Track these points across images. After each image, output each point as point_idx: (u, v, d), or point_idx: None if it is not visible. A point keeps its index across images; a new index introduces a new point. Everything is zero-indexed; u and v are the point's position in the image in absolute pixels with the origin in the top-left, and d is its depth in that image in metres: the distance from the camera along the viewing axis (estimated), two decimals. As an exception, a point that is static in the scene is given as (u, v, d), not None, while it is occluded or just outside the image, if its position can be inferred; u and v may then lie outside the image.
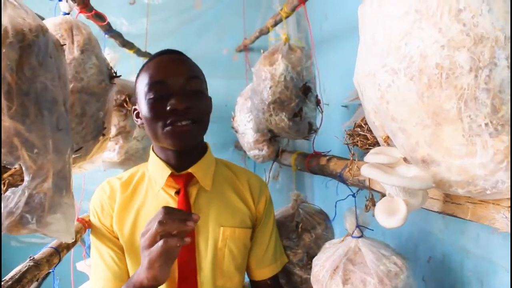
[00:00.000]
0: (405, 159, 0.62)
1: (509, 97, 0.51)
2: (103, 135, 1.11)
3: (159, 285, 0.88)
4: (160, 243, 0.81)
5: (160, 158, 1.11)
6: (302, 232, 1.44)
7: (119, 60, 1.46)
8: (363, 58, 0.63)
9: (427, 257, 1.28)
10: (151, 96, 1.02)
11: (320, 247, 1.47)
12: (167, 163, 1.10)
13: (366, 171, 0.56)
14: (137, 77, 1.10)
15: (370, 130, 0.88)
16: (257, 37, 2.03)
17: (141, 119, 1.08)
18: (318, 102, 1.49)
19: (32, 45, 0.67)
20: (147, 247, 0.84)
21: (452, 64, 0.52)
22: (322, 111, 1.43)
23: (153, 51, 2.37)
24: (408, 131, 0.59)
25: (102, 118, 1.09)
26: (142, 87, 1.05)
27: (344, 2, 1.83)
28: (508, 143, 0.52)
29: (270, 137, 1.66)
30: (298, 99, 1.41)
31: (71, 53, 1.02)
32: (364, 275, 0.99)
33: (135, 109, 1.12)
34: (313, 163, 1.29)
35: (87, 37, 1.06)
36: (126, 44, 1.88)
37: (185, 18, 2.44)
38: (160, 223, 0.82)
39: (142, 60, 2.20)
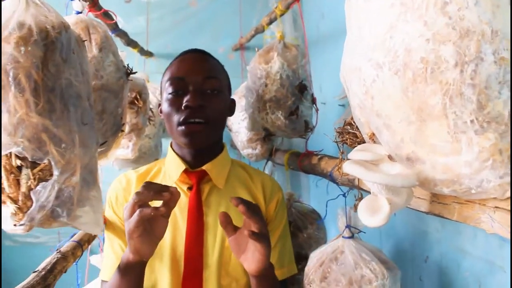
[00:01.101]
0: (390, 157, 0.60)
1: (496, 93, 0.50)
2: (122, 131, 1.14)
3: (144, 259, 0.90)
4: (136, 212, 0.82)
5: (177, 154, 1.13)
6: (294, 232, 1.43)
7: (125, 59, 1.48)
8: (349, 52, 0.61)
9: (424, 257, 1.27)
10: (170, 91, 1.07)
11: (311, 247, 1.46)
12: (183, 159, 1.12)
13: (348, 168, 0.54)
14: (164, 73, 1.15)
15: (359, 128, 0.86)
16: (252, 36, 2.02)
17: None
18: (314, 101, 1.47)
19: (56, 41, 0.69)
20: (126, 219, 0.84)
21: (437, 58, 0.50)
22: (318, 110, 1.41)
23: (151, 49, 2.38)
24: (392, 128, 0.58)
25: (120, 114, 1.12)
26: (164, 82, 1.11)
27: (341, 1, 1.81)
28: (494, 141, 0.50)
29: (264, 136, 1.64)
30: (294, 97, 1.39)
31: (90, 51, 1.03)
32: (340, 276, 1.00)
33: (159, 104, 1.16)
34: (305, 162, 1.28)
35: (104, 35, 1.08)
36: (131, 42, 1.90)
37: (181, 16, 2.44)
38: (137, 193, 0.83)
39: (145, 59, 2.20)
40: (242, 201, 0.86)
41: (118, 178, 1.18)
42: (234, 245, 0.92)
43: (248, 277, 1.12)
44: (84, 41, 0.81)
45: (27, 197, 0.67)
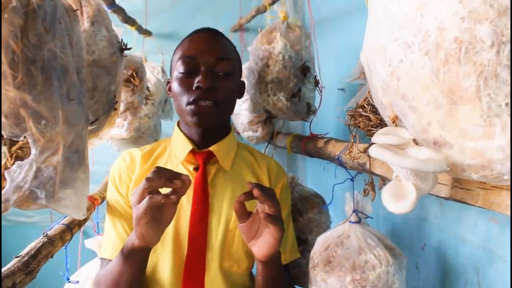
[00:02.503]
0: (414, 141, 0.58)
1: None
2: (115, 109, 1.09)
3: (149, 245, 0.89)
4: (146, 199, 0.80)
5: (184, 134, 1.12)
6: (294, 216, 1.41)
7: (121, 36, 1.42)
8: (373, 32, 0.58)
9: (421, 244, 1.27)
10: (181, 71, 1.06)
11: (312, 232, 1.45)
12: (190, 139, 1.11)
13: (376, 152, 0.52)
14: (174, 51, 1.13)
15: (373, 111, 0.84)
16: (253, 16, 1.96)
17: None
18: (316, 83, 1.44)
19: (38, 9, 0.62)
20: (135, 204, 0.83)
21: (473, 38, 0.48)
22: (321, 92, 1.39)
23: (150, 28, 2.31)
24: (419, 110, 0.55)
25: (113, 92, 1.07)
26: (175, 60, 1.10)
27: (344, -17, 1.77)
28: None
29: (265, 118, 1.61)
30: (296, 79, 1.36)
31: (81, 25, 0.98)
32: (344, 260, 0.99)
33: (168, 82, 1.15)
34: (310, 146, 1.26)
35: (96, 8, 1.03)
36: (128, 20, 1.83)
37: (179, -5, 2.37)
38: (148, 179, 0.81)
39: (143, 39, 2.13)
40: (257, 185, 0.84)
41: (122, 155, 1.16)
42: (246, 229, 0.92)
43: (249, 261, 1.13)
44: (75, 10, 0.74)
45: (3, 176, 0.62)
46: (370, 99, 0.85)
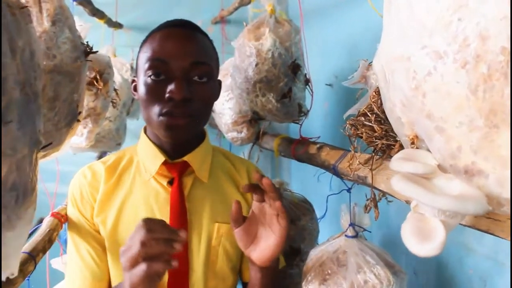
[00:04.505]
0: (439, 167, 0.49)
1: None
2: (78, 120, 0.96)
3: None
4: (143, 266, 0.70)
5: (153, 143, 0.99)
6: (285, 224, 1.33)
7: (89, 33, 1.28)
8: (393, 36, 0.49)
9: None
10: (150, 75, 0.91)
11: (304, 240, 1.37)
12: (161, 148, 0.99)
13: (401, 187, 0.43)
14: (141, 46, 0.98)
15: (378, 121, 0.75)
16: (236, 8, 1.85)
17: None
18: (307, 81, 1.35)
19: None
20: (128, 269, 0.73)
21: (524, 49, 0.39)
22: (313, 92, 1.29)
23: (123, 21, 2.17)
24: (448, 132, 0.46)
25: (76, 101, 0.94)
26: (142, 61, 0.94)
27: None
28: None
29: (251, 118, 1.51)
30: (287, 78, 1.26)
31: (40, 24, 0.85)
32: (341, 279, 0.92)
33: (133, 81, 1.01)
34: (301, 151, 1.16)
35: (58, 4, 0.89)
36: (97, 13, 1.69)
37: (155, -16, 2.23)
38: (142, 244, 0.71)
39: (113, 31, 1.99)
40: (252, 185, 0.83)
41: (82, 171, 1.03)
42: (243, 234, 0.86)
43: (234, 277, 1.06)
44: (23, 7, 0.57)
45: None
46: (374, 106, 0.76)
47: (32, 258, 0.88)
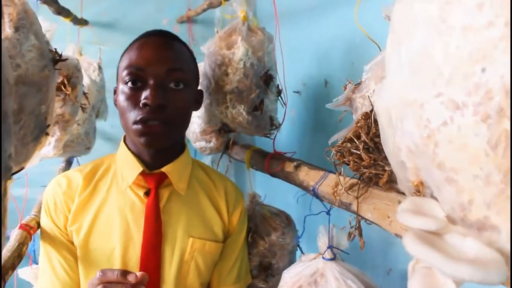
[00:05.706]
0: (448, 218, 0.46)
1: None
2: (46, 134, 0.90)
3: None
4: None
5: (132, 152, 1.00)
6: (255, 240, 1.29)
7: (55, 34, 1.19)
8: (404, 78, 0.45)
9: (387, 268, 1.20)
10: (127, 83, 0.93)
11: (276, 255, 1.33)
12: (139, 158, 0.99)
13: (417, 250, 0.39)
14: (121, 56, 1.00)
15: (366, 149, 0.72)
16: (204, 10, 1.78)
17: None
18: (279, 93, 1.31)
19: None
20: None
21: (552, 106, 0.36)
22: (286, 104, 1.25)
23: (87, 16, 2.04)
24: (460, 184, 0.43)
25: (44, 113, 0.87)
26: (121, 69, 0.96)
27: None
28: None
29: (220, 128, 1.46)
30: (258, 89, 1.21)
31: (2, 31, 0.78)
32: None
33: (115, 91, 1.01)
34: (276, 168, 1.12)
35: (22, 8, 0.82)
36: (62, 11, 1.59)
37: (121, -21, 2.11)
38: None
39: (78, 29, 1.87)
40: None
41: (57, 179, 1.01)
42: None
43: None
44: None
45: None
46: (361, 133, 0.73)
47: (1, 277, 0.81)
